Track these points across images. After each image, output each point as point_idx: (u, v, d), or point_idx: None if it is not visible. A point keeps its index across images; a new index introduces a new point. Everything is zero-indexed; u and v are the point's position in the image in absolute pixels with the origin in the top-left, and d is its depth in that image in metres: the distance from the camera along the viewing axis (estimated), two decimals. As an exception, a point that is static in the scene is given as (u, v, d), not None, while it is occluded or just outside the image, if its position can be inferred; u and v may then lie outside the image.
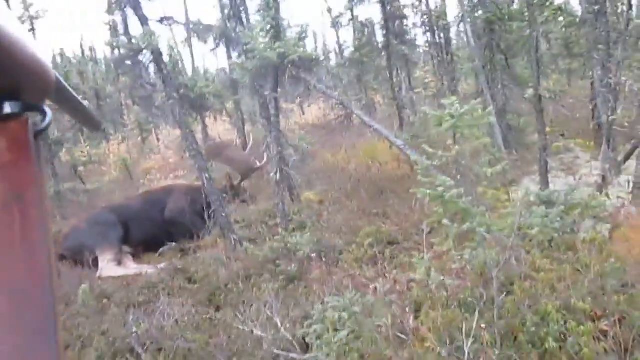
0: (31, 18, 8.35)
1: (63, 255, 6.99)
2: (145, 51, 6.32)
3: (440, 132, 9.54)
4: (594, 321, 2.79)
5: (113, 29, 20.78)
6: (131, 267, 6.60)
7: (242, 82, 5.98)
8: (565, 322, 2.88)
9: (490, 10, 6.73)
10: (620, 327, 2.81)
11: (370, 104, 14.73)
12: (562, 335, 2.82)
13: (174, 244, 7.23)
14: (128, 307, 5.00)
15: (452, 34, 14.33)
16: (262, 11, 5.20)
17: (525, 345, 2.80)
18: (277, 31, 5.16)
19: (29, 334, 0.39)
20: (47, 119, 0.46)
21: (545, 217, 3.72)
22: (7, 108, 0.43)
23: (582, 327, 2.65)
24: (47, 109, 0.47)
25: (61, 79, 0.53)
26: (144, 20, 6.10)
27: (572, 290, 3.13)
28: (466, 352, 2.73)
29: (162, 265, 6.27)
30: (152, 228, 7.49)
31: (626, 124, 5.72)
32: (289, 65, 4.97)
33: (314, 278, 4.57)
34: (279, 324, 3.58)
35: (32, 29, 7.44)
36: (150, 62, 6.04)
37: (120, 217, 7.46)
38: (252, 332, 3.57)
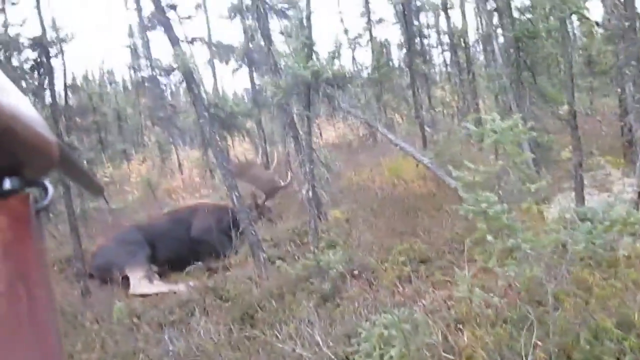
0: (60, 41, 8.50)
1: (91, 274, 7.02)
2: (175, 71, 6.40)
3: (464, 149, 9.45)
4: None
5: (134, 51, 21.25)
6: (162, 285, 6.59)
7: (275, 100, 6.01)
8: (620, 340, 2.81)
9: (519, 28, 6.73)
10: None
11: (390, 123, 14.73)
12: (618, 353, 2.75)
13: (200, 263, 7.23)
14: (160, 326, 5.00)
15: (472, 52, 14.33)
16: (295, 30, 5.27)
17: (581, 363, 2.74)
18: (309, 50, 5.22)
19: None
20: (49, 196, 0.45)
21: (589, 234, 3.65)
22: (7, 184, 0.42)
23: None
24: (49, 185, 0.46)
25: (66, 148, 0.51)
26: (174, 41, 6.18)
27: (624, 307, 3.06)
28: (522, 370, 2.67)
29: (191, 283, 6.27)
30: (178, 247, 7.51)
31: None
32: (322, 83, 5.01)
33: (350, 296, 4.52)
34: (320, 342, 3.54)
35: (62, 52, 7.58)
36: (181, 82, 6.10)
37: (146, 236, 7.49)
38: (294, 350, 3.53)
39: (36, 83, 7.15)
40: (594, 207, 4.89)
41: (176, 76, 6.20)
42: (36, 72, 6.75)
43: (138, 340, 4.59)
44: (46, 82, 7.01)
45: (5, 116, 0.37)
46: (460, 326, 3.49)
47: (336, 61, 5.61)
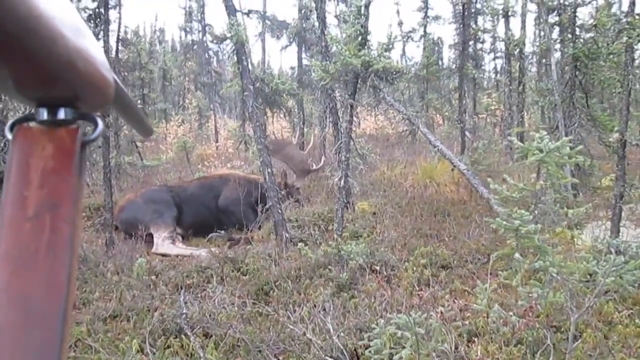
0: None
1: (117, 226, 7.18)
2: (226, 41, 6.43)
3: (502, 162, 9.27)
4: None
5: (188, 14, 21.44)
6: (184, 249, 6.69)
7: (320, 84, 5.97)
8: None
9: (580, 46, 6.54)
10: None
11: (430, 123, 14.58)
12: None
13: (223, 232, 7.32)
14: (177, 287, 5.09)
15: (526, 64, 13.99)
16: (351, 17, 5.21)
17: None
18: (364, 39, 5.17)
19: (33, 350, 0.37)
20: (98, 131, 0.46)
21: (621, 268, 3.57)
22: (61, 114, 0.43)
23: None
24: (99, 121, 0.46)
25: (121, 85, 0.52)
26: (231, 11, 6.19)
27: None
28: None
29: (213, 249, 6.38)
30: (204, 213, 7.61)
31: None
32: (372, 74, 4.97)
33: (367, 290, 4.52)
34: (332, 331, 3.56)
35: (120, 5, 7.66)
36: (232, 52, 6.12)
37: (175, 198, 7.60)
38: (305, 334, 3.55)
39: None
40: (628, 241, 4.78)
41: (226, 45, 6.21)
42: (93, 22, 6.85)
43: (154, 298, 4.69)
44: (101, 33, 7.11)
45: (69, 50, 0.39)
46: (475, 339, 3.46)
47: (387, 54, 5.55)
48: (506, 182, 3.67)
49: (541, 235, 3.43)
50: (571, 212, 3.49)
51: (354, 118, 6.33)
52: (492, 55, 16.71)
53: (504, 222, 3.44)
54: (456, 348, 3.33)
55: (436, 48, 17.29)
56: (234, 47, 6.13)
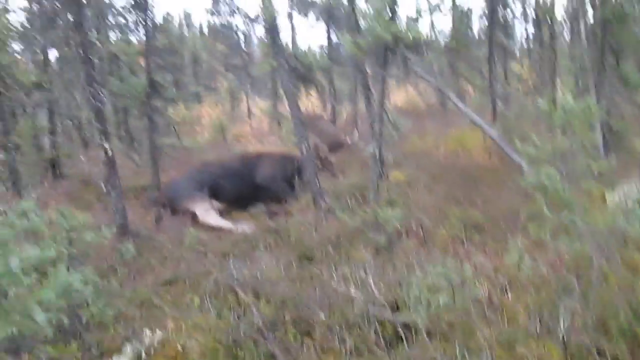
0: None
1: (164, 203, 7.60)
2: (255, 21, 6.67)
3: (530, 127, 9.33)
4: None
5: (215, -2, 21.65)
6: (228, 222, 7.03)
7: (352, 58, 6.18)
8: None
9: (608, 10, 6.56)
10: None
11: (461, 94, 14.56)
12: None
13: (262, 205, 7.67)
14: (224, 256, 5.46)
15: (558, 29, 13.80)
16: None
17: (617, 335, 2.92)
18: (392, 12, 5.36)
19: None
20: None
21: (647, 220, 3.73)
22: None
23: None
24: None
25: None
26: (261, -11, 6.41)
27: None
28: (560, 333, 2.88)
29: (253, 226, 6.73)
30: (243, 188, 7.93)
31: None
32: (401, 46, 5.17)
33: (404, 249, 4.79)
34: (373, 286, 3.85)
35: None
36: (268, 32, 6.38)
37: (215, 174, 7.94)
38: (349, 290, 3.86)
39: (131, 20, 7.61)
40: (657, 198, 4.90)
41: (253, 25, 6.44)
42: (133, 11, 7.20)
43: (206, 265, 5.06)
44: (139, 19, 7.46)
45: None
46: (507, 289, 3.70)
47: (416, 25, 5.70)
48: (534, 144, 3.86)
49: (568, 192, 3.62)
50: (596, 166, 3.66)
51: (385, 90, 6.51)
52: (523, 22, 16.45)
53: (532, 180, 3.64)
54: (490, 298, 3.58)
55: (465, 19, 17.10)
56: (265, 26, 6.37)
